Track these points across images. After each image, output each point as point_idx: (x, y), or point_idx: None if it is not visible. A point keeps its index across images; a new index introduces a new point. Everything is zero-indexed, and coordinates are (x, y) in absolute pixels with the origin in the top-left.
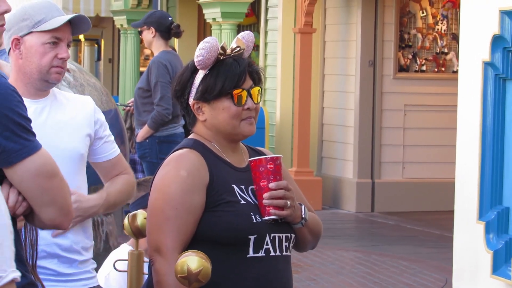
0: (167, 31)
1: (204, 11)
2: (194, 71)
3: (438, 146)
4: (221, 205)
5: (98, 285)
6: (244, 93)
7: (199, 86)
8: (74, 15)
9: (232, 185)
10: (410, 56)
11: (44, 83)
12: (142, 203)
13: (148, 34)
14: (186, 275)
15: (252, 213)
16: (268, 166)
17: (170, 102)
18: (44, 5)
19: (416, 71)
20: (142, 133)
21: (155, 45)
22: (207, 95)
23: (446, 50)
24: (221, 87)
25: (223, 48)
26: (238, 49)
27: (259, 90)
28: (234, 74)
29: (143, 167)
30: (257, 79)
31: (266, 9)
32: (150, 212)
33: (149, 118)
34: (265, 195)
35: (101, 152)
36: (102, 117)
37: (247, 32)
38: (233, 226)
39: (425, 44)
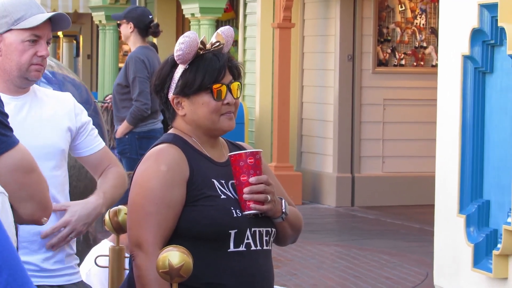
0: (146, 28)
1: (183, 7)
2: (174, 65)
3: (417, 140)
4: (201, 200)
5: (82, 280)
6: (224, 88)
7: (178, 80)
8: (54, 13)
9: (212, 180)
10: (389, 51)
11: (24, 81)
12: (123, 199)
13: (126, 29)
14: (168, 270)
15: (232, 208)
16: (248, 160)
17: (148, 97)
18: (23, 2)
19: (395, 65)
20: (121, 129)
21: (132, 40)
22: (187, 89)
23: (425, 44)
24: (200, 82)
25: (202, 42)
26: (217, 44)
27: (238, 85)
28: (214, 69)
29: (123, 163)
30: (237, 74)
31: (245, 4)
32: (130, 207)
33: (127, 113)
34: (245, 189)
35: (84, 146)
36: (84, 112)
37: (227, 27)
38: (214, 221)
39: (404, 38)
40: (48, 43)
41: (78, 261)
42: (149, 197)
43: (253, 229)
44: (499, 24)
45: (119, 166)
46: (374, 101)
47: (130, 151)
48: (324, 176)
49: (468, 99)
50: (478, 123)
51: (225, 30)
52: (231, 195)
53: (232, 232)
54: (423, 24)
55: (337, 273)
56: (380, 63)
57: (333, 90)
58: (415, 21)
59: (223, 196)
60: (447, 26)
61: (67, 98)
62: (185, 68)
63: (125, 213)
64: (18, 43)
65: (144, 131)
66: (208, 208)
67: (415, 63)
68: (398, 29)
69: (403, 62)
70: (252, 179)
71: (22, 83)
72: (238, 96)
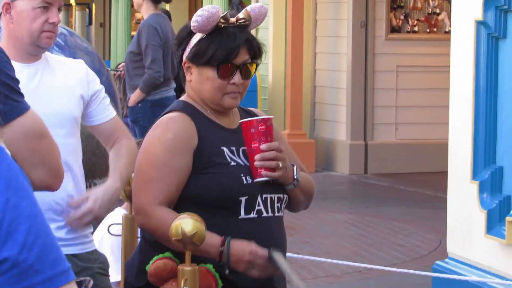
0: None
1: None
2: (192, 31)
3: (431, 107)
4: (211, 168)
5: (95, 249)
6: (233, 68)
7: (193, 47)
8: None
9: (222, 148)
10: (402, 17)
11: (35, 48)
12: None
13: None
14: (181, 238)
15: (242, 175)
16: (259, 127)
17: (161, 65)
18: None
19: (408, 32)
20: (134, 97)
21: (145, 8)
22: (197, 59)
23: (438, 11)
24: (210, 56)
25: (225, 17)
26: (243, 20)
27: (253, 66)
28: (226, 47)
29: (136, 131)
30: (257, 54)
31: None
32: (135, 173)
33: (140, 81)
34: (256, 156)
35: (96, 114)
36: (96, 79)
37: (259, 4)
38: (223, 188)
39: (416, 4)
40: (59, 10)
41: (91, 230)
42: (153, 163)
43: (264, 196)
44: None
45: (129, 138)
46: (387, 68)
47: (143, 119)
48: (337, 144)
49: (481, 65)
50: (491, 89)
51: (256, 7)
52: (241, 162)
53: (243, 199)
54: None
55: (350, 240)
56: (393, 29)
57: (346, 57)
58: None
59: (233, 163)
60: None
61: (80, 66)
62: (201, 37)
63: None
64: (29, 10)
65: (157, 99)
66: (218, 175)
67: (428, 30)
68: None
69: (416, 28)
70: (263, 146)
71: (34, 50)
72: (250, 77)
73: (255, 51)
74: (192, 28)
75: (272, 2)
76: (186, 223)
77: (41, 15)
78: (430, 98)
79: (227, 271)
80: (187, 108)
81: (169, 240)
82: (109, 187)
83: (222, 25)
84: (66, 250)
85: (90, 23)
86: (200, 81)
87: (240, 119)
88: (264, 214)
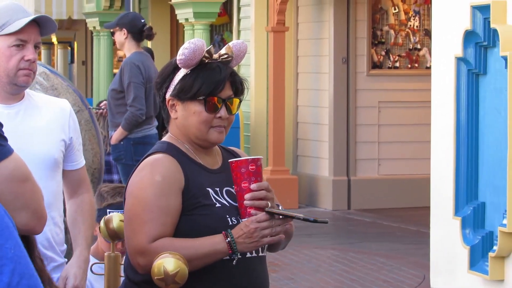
0: (139, 33)
1: (177, 12)
2: (177, 67)
3: (413, 142)
4: (197, 209)
5: None
6: (219, 102)
7: (177, 83)
8: (36, 15)
9: (207, 188)
10: (383, 53)
11: (14, 87)
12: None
13: (120, 36)
14: (163, 277)
15: (227, 216)
16: (250, 167)
17: (143, 103)
18: (9, 8)
19: (389, 68)
20: (116, 135)
21: (127, 47)
22: (182, 94)
23: (419, 46)
24: (196, 91)
25: (209, 52)
26: (226, 56)
27: (237, 101)
28: (212, 81)
29: (118, 169)
30: (240, 90)
31: (239, 9)
32: (127, 218)
33: (122, 119)
34: (247, 196)
35: (71, 159)
36: (76, 123)
37: (240, 41)
38: (210, 230)
39: (398, 40)
40: (37, 47)
41: None
42: (145, 206)
43: None
44: (492, 25)
45: (90, 192)
46: (369, 103)
47: (126, 157)
48: (320, 180)
49: (462, 100)
50: (472, 125)
51: (237, 44)
52: (226, 203)
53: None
54: (417, 26)
55: (334, 276)
56: (375, 65)
57: (328, 93)
58: (409, 23)
59: (218, 205)
60: (440, 28)
61: (64, 106)
62: (186, 73)
63: (120, 220)
64: (5, 49)
65: (139, 137)
66: (203, 217)
67: (409, 65)
68: (392, 31)
69: (397, 64)
70: (253, 186)
71: (12, 89)
72: (235, 112)
73: (237, 86)
74: (178, 62)
75: (253, 39)
76: (168, 262)
77: (16, 53)
78: (412, 133)
79: (234, 262)
80: (171, 150)
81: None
82: (81, 260)
83: (206, 61)
84: None
85: (72, 61)
86: (186, 117)
87: (222, 159)
88: (248, 255)
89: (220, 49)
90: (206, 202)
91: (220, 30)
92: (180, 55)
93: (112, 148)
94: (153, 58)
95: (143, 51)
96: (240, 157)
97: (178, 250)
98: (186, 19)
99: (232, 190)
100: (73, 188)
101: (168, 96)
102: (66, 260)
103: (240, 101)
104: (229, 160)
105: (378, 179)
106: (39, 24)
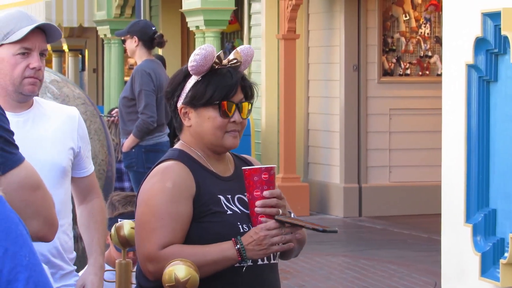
0: (150, 40)
1: (187, 19)
2: (187, 75)
3: (424, 150)
4: (208, 216)
5: None
6: (233, 106)
7: (189, 91)
8: (40, 23)
9: (219, 196)
10: (394, 60)
11: (20, 96)
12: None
13: (131, 43)
14: (174, 284)
15: (239, 223)
16: (263, 176)
17: (154, 110)
18: (14, 16)
19: (400, 75)
20: (127, 142)
21: (138, 54)
22: (195, 101)
23: (430, 54)
24: (210, 96)
25: (219, 57)
26: (235, 61)
27: (249, 105)
28: (225, 85)
29: (130, 177)
30: (250, 94)
31: (249, 16)
32: (138, 225)
33: (134, 127)
34: (258, 203)
35: (79, 167)
36: (85, 131)
37: (247, 46)
38: (220, 237)
39: (408, 47)
40: (43, 55)
41: (77, 278)
42: (156, 213)
43: None
44: (503, 32)
45: (101, 198)
46: (380, 111)
47: (137, 164)
48: (331, 187)
49: (472, 108)
50: (483, 132)
51: (245, 49)
52: (237, 210)
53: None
54: (427, 34)
55: (345, 283)
56: (386, 73)
57: (339, 100)
58: (420, 30)
59: (229, 212)
60: (451, 35)
61: (73, 114)
62: (197, 80)
63: (132, 227)
64: (10, 57)
65: (151, 144)
66: (214, 224)
67: (420, 73)
68: (402, 39)
69: (408, 71)
70: (265, 193)
71: (19, 98)
72: (247, 116)
73: (247, 91)
74: (190, 69)
75: (264, 47)
76: (179, 269)
77: (21, 61)
78: (423, 140)
79: (244, 269)
80: (182, 157)
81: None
82: (97, 268)
83: (216, 66)
84: None
85: (83, 69)
86: (200, 123)
87: (235, 166)
88: (260, 262)
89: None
90: (217, 209)
91: (231, 37)
92: (192, 62)
93: (123, 156)
94: (164, 65)
95: (154, 59)
96: (252, 164)
97: (187, 256)
98: (197, 27)
99: (244, 198)
100: (83, 194)
101: (180, 104)
102: (75, 267)
103: (251, 106)
104: (243, 168)
105: (389, 186)
106: (45, 31)
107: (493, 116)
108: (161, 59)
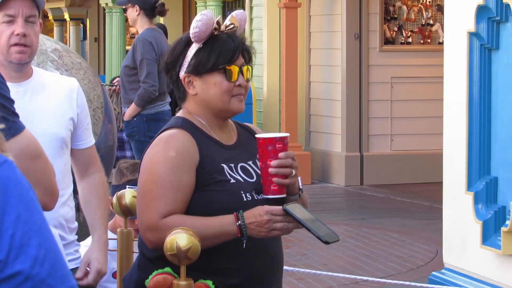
0: (152, 9)
1: None
2: (188, 44)
3: (425, 118)
4: (211, 185)
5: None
6: (236, 70)
7: (191, 59)
8: None
9: (222, 164)
10: (395, 29)
11: (11, 65)
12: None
13: (133, 12)
14: (176, 252)
15: (242, 192)
16: (277, 145)
17: (156, 79)
18: None
19: (402, 43)
20: (129, 111)
21: (140, 23)
22: (200, 68)
23: (431, 22)
24: (214, 62)
25: (218, 23)
26: (232, 26)
27: (249, 68)
28: (228, 49)
29: (131, 145)
30: (248, 58)
31: None
32: (140, 193)
33: (135, 95)
34: (273, 163)
35: (79, 138)
36: (85, 102)
37: (241, 11)
38: (223, 206)
39: (410, 16)
40: (29, 21)
41: (79, 247)
42: (158, 182)
43: None
44: (504, 0)
45: (101, 171)
46: (382, 79)
47: (139, 133)
48: (332, 155)
49: (474, 76)
50: (485, 100)
51: (239, 13)
52: (240, 179)
53: None
54: (429, 2)
55: (347, 252)
56: (387, 41)
57: (340, 69)
58: None
59: (232, 181)
60: (452, 3)
61: (72, 85)
62: (199, 47)
63: (133, 196)
64: None
65: (152, 113)
66: (217, 193)
67: (422, 41)
68: (404, 7)
69: (410, 40)
70: (281, 154)
71: (12, 67)
72: (249, 79)
73: (247, 54)
74: (192, 35)
75: (265, 15)
76: (181, 238)
77: (6, 28)
78: (425, 109)
79: (244, 244)
80: (186, 125)
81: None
82: (101, 244)
83: (216, 32)
84: None
85: (84, 38)
86: (206, 90)
87: (238, 134)
88: None
89: None
90: (220, 178)
91: (232, 6)
92: (194, 28)
93: (125, 125)
94: (166, 34)
95: (156, 28)
96: (255, 133)
97: (188, 227)
98: None
99: (247, 166)
100: (83, 167)
101: (182, 73)
102: (76, 237)
103: (251, 68)
104: (256, 136)
105: (390, 155)
106: None
107: (495, 84)
108: (163, 28)
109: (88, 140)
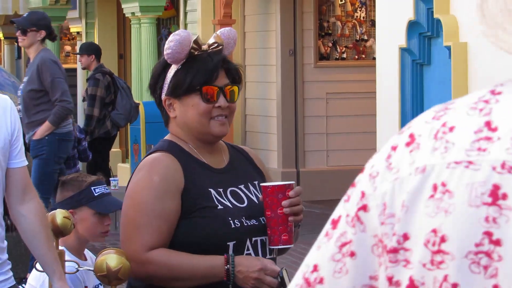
0: (51, 33)
1: (123, 6)
2: (167, 65)
3: (361, 133)
4: (197, 211)
5: (15, 284)
6: (216, 90)
7: (170, 81)
8: None
9: (209, 189)
10: (330, 44)
11: None
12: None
13: (36, 36)
14: (106, 273)
15: (229, 218)
16: (287, 193)
17: (70, 96)
18: None
19: (336, 59)
20: (42, 130)
21: (36, 47)
22: (177, 90)
23: (365, 37)
24: (190, 82)
25: (196, 42)
26: (215, 45)
27: (235, 88)
28: (205, 70)
29: (35, 164)
30: (237, 78)
31: (185, 2)
32: (122, 221)
33: (51, 114)
34: (285, 202)
35: (15, 157)
36: (18, 120)
37: (229, 28)
38: (210, 233)
39: (344, 31)
40: None
41: (10, 266)
42: (140, 209)
43: (254, 239)
44: (435, 15)
45: (37, 195)
46: (317, 95)
47: (48, 152)
48: (269, 172)
49: (406, 91)
50: (417, 115)
51: (226, 31)
52: (228, 204)
53: (231, 244)
54: (363, 17)
55: (289, 270)
56: (322, 57)
57: (275, 85)
58: (355, 14)
59: (220, 207)
60: (384, 19)
61: (5, 103)
62: (177, 69)
63: (64, 217)
64: None
65: (64, 132)
66: (204, 219)
67: (356, 56)
68: (338, 23)
69: (344, 55)
70: (291, 193)
71: None
72: (234, 100)
73: (233, 74)
74: (166, 57)
75: (200, 32)
76: (111, 258)
77: None
78: (360, 124)
79: (230, 286)
80: (172, 148)
81: (175, 279)
82: (60, 274)
83: (196, 52)
84: None
85: (19, 57)
86: (184, 113)
87: (229, 157)
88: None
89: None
90: (206, 204)
91: (167, 23)
92: (167, 49)
93: (33, 144)
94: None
95: (47, 47)
96: (249, 155)
97: (174, 265)
98: (133, 13)
99: (238, 190)
100: (20, 190)
101: (163, 96)
102: (7, 256)
103: (239, 89)
104: (262, 185)
105: (327, 170)
106: None
107: (427, 100)
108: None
109: (22, 159)
